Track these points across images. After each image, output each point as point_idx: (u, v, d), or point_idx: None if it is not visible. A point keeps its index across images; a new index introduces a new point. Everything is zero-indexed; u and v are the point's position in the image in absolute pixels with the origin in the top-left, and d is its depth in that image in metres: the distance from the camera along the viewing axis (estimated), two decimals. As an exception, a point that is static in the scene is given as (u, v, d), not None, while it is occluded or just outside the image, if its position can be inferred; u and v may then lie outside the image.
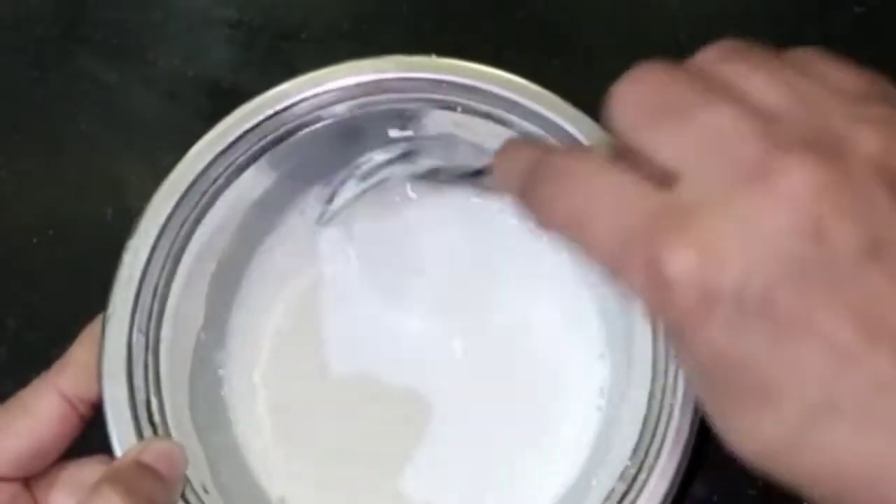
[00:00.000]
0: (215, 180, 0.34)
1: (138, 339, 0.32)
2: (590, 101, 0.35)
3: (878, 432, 0.20)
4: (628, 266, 0.22)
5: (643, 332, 0.33)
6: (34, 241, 0.43)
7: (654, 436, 0.31)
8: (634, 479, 0.30)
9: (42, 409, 0.31)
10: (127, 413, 0.31)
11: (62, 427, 0.31)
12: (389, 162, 0.36)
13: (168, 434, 0.32)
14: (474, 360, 0.37)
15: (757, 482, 0.35)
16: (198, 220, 0.34)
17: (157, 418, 0.31)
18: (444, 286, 0.38)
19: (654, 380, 0.31)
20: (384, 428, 0.37)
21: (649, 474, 0.30)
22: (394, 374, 0.37)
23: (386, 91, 0.35)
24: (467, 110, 0.35)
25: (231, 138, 0.35)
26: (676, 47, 0.46)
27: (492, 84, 0.35)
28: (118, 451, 0.31)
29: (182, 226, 0.34)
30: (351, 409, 0.37)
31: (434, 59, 0.36)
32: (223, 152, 0.34)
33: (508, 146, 0.29)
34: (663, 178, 0.22)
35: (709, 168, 0.21)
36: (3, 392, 0.40)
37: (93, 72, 0.46)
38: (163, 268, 0.33)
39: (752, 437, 0.21)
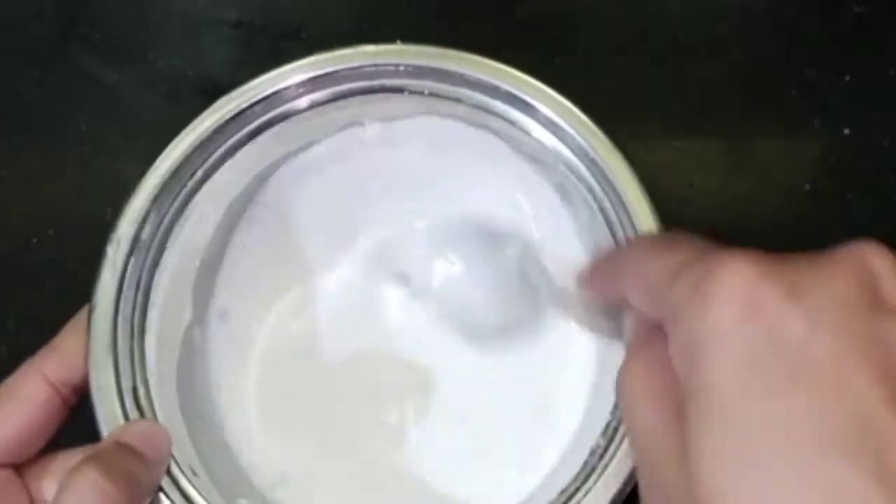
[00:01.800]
0: (192, 175, 0.35)
1: (123, 328, 0.32)
2: (590, 100, 0.35)
3: None
4: (678, 279, 0.22)
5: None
6: (34, 241, 0.43)
7: None
8: (615, 431, 0.31)
9: (27, 394, 0.31)
10: (114, 400, 0.31)
11: (47, 411, 0.31)
12: None
13: (155, 419, 0.32)
14: (469, 336, 0.37)
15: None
16: (178, 213, 0.35)
17: (144, 404, 0.32)
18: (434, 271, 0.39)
19: None
20: (376, 413, 0.37)
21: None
22: (386, 356, 0.37)
23: (354, 80, 0.36)
24: (434, 93, 0.36)
25: (206, 133, 0.35)
26: (676, 47, 0.46)
27: (455, 64, 0.35)
28: (104, 435, 0.31)
29: (162, 219, 0.34)
30: (342, 396, 0.37)
31: (399, 46, 0.36)
32: (199, 147, 0.35)
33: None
34: None
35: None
36: (3, 392, 0.40)
37: (93, 72, 0.46)
38: (145, 259, 0.34)
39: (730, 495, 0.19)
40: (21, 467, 0.31)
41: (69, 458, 0.31)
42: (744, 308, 0.20)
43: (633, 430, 0.23)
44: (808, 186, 0.43)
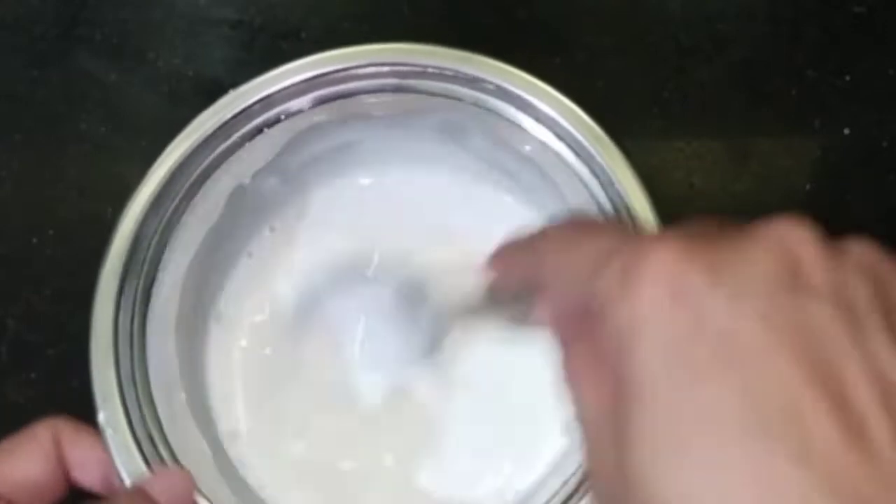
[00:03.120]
0: (186, 182, 0.35)
1: (129, 390, 0.33)
2: (590, 100, 0.35)
3: (805, 489, 0.18)
4: (603, 268, 0.21)
5: None
6: (34, 241, 0.43)
7: None
8: None
9: (29, 448, 0.30)
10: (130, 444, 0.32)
11: (51, 466, 0.30)
12: None
13: (165, 439, 0.32)
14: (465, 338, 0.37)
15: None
16: (174, 218, 0.35)
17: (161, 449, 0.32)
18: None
19: None
20: (371, 424, 0.37)
21: None
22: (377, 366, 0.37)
23: (351, 80, 0.36)
24: (433, 92, 0.36)
25: (201, 139, 0.35)
26: (676, 47, 0.46)
27: (452, 62, 0.36)
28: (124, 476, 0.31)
29: (156, 229, 0.34)
30: (335, 410, 0.37)
31: (394, 45, 0.36)
32: (195, 151, 0.35)
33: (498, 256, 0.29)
34: None
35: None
36: (4, 392, 0.40)
37: (93, 72, 0.46)
38: (138, 284, 0.34)
39: (667, 480, 0.19)
40: None
41: None
42: (668, 294, 0.20)
43: (580, 422, 0.23)
44: (808, 186, 0.43)
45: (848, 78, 0.45)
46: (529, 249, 0.27)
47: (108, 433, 0.31)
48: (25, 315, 0.41)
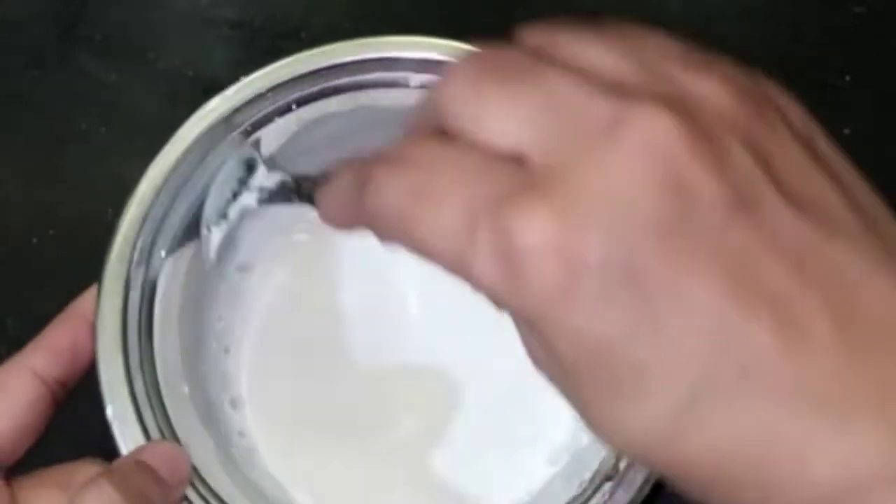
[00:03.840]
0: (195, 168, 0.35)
1: (138, 383, 0.33)
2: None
3: (759, 409, 0.17)
4: (473, 248, 0.18)
5: None
6: (34, 241, 0.43)
7: None
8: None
9: (17, 391, 0.30)
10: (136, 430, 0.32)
11: (38, 407, 0.30)
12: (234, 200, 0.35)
13: (174, 435, 0.32)
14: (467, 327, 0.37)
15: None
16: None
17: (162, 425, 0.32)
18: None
19: None
20: (382, 412, 0.37)
21: None
22: (383, 356, 0.38)
23: (350, 73, 0.36)
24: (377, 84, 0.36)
25: (179, 155, 0.35)
26: (676, 47, 0.46)
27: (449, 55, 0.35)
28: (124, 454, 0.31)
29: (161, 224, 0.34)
30: (340, 399, 0.37)
31: (393, 38, 0.36)
32: (176, 167, 0.35)
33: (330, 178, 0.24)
34: (503, 156, 0.19)
35: (552, 133, 0.19)
36: (3, 392, 0.40)
37: (93, 72, 0.46)
38: (147, 268, 0.34)
39: (623, 429, 0.19)
40: (11, 478, 0.30)
41: (68, 471, 0.30)
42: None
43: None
44: (808, 186, 0.43)
45: (848, 78, 0.45)
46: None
47: (116, 426, 0.31)
48: (25, 315, 0.41)
